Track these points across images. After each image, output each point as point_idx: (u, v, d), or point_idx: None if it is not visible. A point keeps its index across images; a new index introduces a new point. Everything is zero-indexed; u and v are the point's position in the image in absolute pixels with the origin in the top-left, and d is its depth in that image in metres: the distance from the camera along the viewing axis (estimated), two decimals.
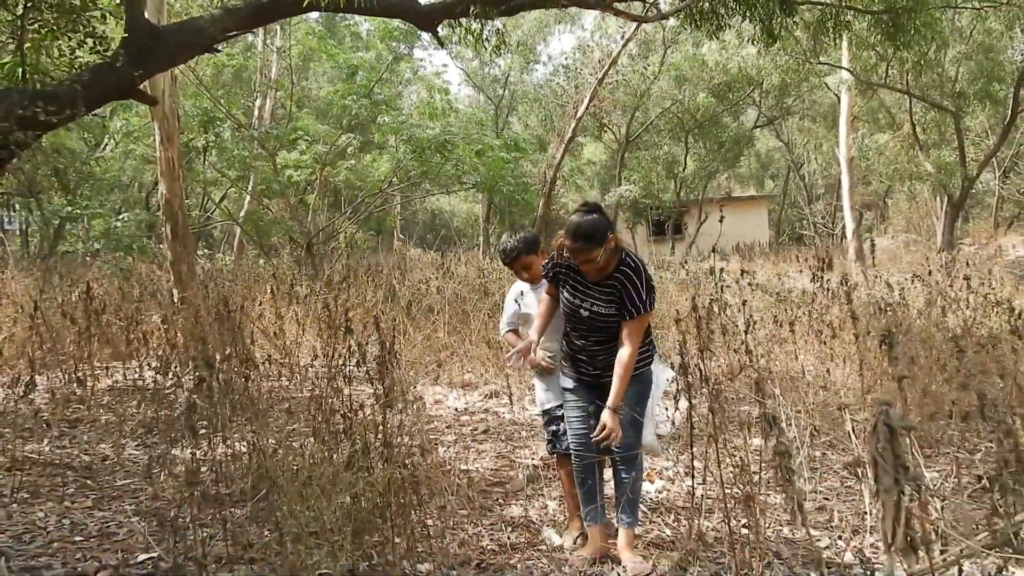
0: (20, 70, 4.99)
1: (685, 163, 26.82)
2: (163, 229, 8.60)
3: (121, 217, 16.13)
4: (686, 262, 15.08)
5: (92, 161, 16.52)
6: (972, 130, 20.61)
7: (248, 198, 17.13)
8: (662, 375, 4.14)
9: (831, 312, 5.91)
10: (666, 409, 4.09)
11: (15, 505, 3.78)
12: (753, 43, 8.90)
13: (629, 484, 3.46)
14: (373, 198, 16.32)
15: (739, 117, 27.75)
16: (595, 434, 3.28)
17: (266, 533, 3.27)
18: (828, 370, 5.21)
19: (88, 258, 15.53)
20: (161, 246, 15.30)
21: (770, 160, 37.77)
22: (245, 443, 3.64)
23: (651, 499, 4.38)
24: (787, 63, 21.05)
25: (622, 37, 19.18)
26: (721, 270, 7.54)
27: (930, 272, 7.17)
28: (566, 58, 23.81)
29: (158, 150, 8.22)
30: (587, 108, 18.85)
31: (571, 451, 3.61)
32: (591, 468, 3.55)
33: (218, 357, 4.45)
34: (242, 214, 17.38)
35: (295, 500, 3.04)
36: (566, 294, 3.49)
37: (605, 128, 25.47)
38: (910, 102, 20.52)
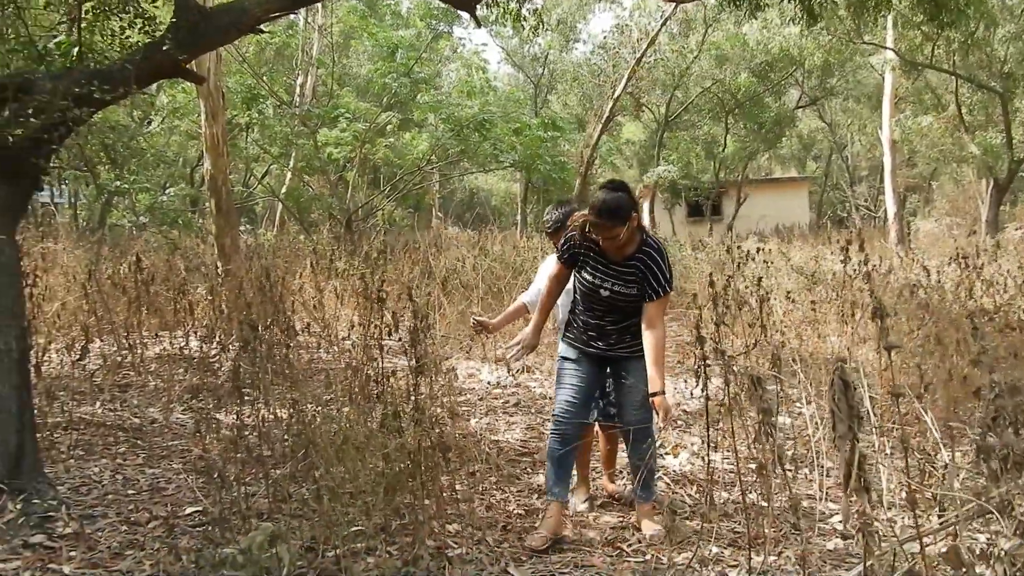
0: (76, 49, 5.21)
1: (725, 143, 26.55)
2: (207, 204, 8.86)
3: (167, 192, 16.54)
4: (723, 243, 15.04)
5: (140, 137, 16.89)
6: (1021, 111, 20.10)
7: (289, 175, 17.42)
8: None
9: (856, 293, 5.94)
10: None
11: (72, 461, 4.02)
12: (794, 23, 8.86)
13: (643, 460, 3.48)
14: (412, 176, 16.50)
15: (781, 97, 27.35)
16: (659, 421, 3.36)
17: (304, 491, 3.45)
18: (849, 349, 5.26)
19: (134, 231, 15.97)
20: (204, 221, 15.70)
21: (812, 141, 37.16)
22: (285, 408, 3.82)
23: (675, 472, 4.51)
24: (830, 43, 20.75)
25: (661, 16, 19.03)
26: (754, 250, 7.56)
27: (965, 256, 7.12)
28: (604, 37, 23.66)
29: (203, 127, 8.46)
30: (625, 87, 18.78)
31: (555, 418, 3.56)
32: (572, 441, 3.53)
33: (260, 326, 4.66)
34: (283, 190, 17.69)
35: (332, 460, 3.22)
36: (585, 274, 3.49)
37: (643, 107, 25.31)
38: (956, 83, 20.11)
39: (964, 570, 2.15)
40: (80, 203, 22.75)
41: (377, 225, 18.81)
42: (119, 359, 6.10)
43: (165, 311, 7.13)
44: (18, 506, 2.95)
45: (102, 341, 6.54)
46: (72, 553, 2.86)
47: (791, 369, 4.72)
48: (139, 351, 6.19)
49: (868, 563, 1.66)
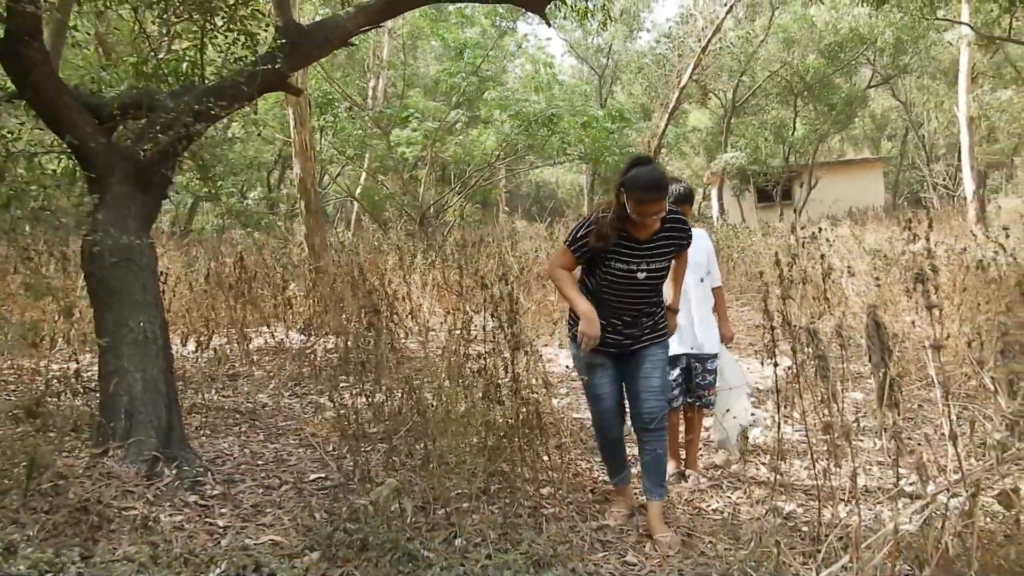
0: (185, 66, 5.77)
1: (794, 127, 26.23)
2: (297, 205, 9.39)
3: (252, 196, 17.33)
4: (794, 228, 15.01)
5: (224, 144, 17.74)
6: None
7: (364, 175, 18.04)
8: (737, 369, 4.51)
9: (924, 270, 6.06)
10: (752, 413, 4.45)
11: (203, 438, 4.52)
12: (863, 4, 8.89)
13: (654, 455, 3.50)
14: (481, 172, 16.91)
15: (852, 77, 26.84)
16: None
17: (412, 460, 3.85)
18: (913, 322, 5.42)
19: (216, 234, 16.83)
20: (286, 222, 16.41)
21: (886, 120, 36.27)
22: (390, 389, 4.23)
23: (752, 443, 4.76)
24: (901, 20, 20.34)
25: (726, 2, 18.98)
26: (817, 230, 7.72)
27: None
28: (669, 27, 23.65)
29: (292, 133, 9.01)
30: (691, 76, 18.82)
31: (599, 426, 3.64)
32: (619, 442, 3.64)
33: (359, 317, 5.09)
34: (359, 190, 18.33)
35: (438, 431, 3.60)
36: (618, 265, 3.37)
37: (710, 94, 25.19)
38: None
39: (1015, 511, 2.39)
40: (167, 208, 23.87)
41: (448, 221, 19.31)
42: (228, 351, 6.64)
43: (264, 307, 7.67)
44: (173, 471, 3.42)
45: (214, 335, 7.10)
46: (223, 510, 3.32)
47: (859, 345, 4.91)
48: (245, 344, 6.72)
49: (899, 467, 1.94)
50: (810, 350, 2.53)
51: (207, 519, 3.20)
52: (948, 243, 8.66)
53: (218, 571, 2.54)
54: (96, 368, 4.90)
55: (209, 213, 21.00)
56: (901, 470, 2.51)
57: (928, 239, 4.15)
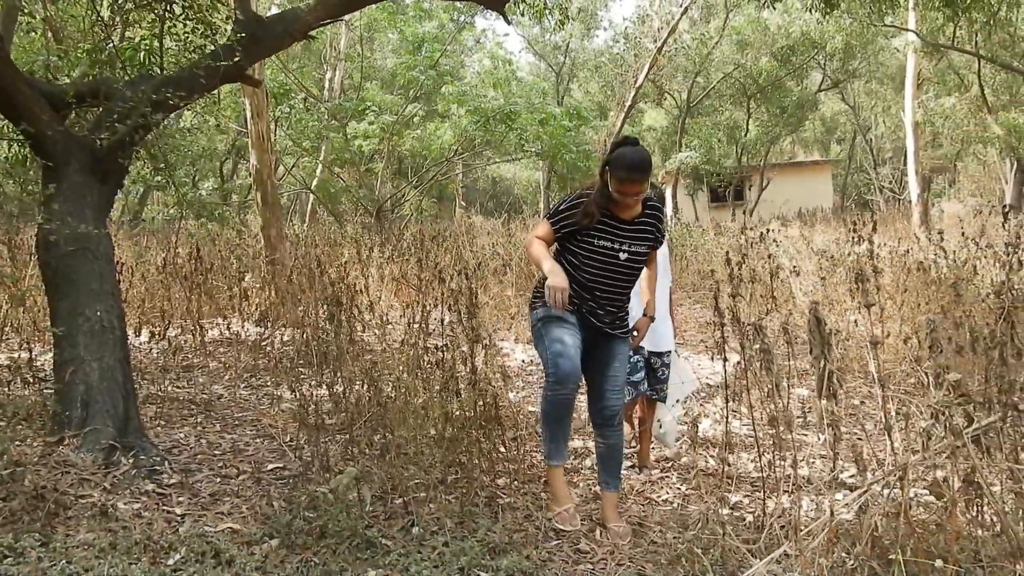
0: (142, 55, 5.72)
1: (747, 128, 26.71)
2: (254, 196, 9.32)
3: (203, 186, 17.08)
4: (744, 228, 15.34)
5: (177, 134, 17.47)
6: None
7: (320, 167, 17.92)
8: (684, 373, 4.65)
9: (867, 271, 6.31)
10: (684, 414, 4.57)
11: (159, 428, 4.51)
12: (811, 11, 9.14)
13: (613, 449, 3.52)
14: (439, 166, 16.92)
15: (803, 81, 27.43)
16: (634, 340, 3.59)
17: (369, 452, 3.90)
18: (856, 321, 5.65)
19: (166, 224, 16.57)
20: (239, 214, 16.22)
21: (836, 124, 37.14)
22: (350, 380, 4.27)
23: (699, 436, 4.91)
24: (851, 26, 20.84)
25: (681, 3, 19.25)
26: (766, 231, 7.94)
27: (976, 237, 7.43)
28: (626, 27, 23.88)
29: (248, 124, 8.94)
30: (647, 76, 19.05)
31: (554, 376, 3.36)
32: (570, 409, 3.49)
33: (319, 308, 5.12)
34: (314, 183, 18.20)
35: (397, 422, 3.66)
36: (602, 241, 3.41)
37: (665, 94, 25.52)
38: (979, 63, 20.16)
39: (945, 499, 2.54)
40: (117, 197, 23.34)
41: (404, 215, 19.29)
42: (183, 342, 6.59)
43: (219, 298, 7.61)
44: (130, 460, 3.43)
45: (162, 326, 7.04)
46: (180, 499, 3.33)
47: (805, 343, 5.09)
48: (201, 335, 6.67)
49: (836, 454, 2.07)
50: (757, 345, 2.65)
51: (165, 507, 3.22)
52: (892, 245, 8.98)
53: (177, 557, 2.57)
54: (47, 359, 4.86)
55: (159, 203, 20.64)
56: (840, 460, 2.65)
57: (871, 241, 4.33)
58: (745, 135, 26.76)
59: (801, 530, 2.75)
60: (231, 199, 20.78)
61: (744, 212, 19.09)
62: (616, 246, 3.42)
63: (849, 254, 7.52)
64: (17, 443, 3.56)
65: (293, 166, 21.65)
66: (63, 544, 2.62)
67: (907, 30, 19.48)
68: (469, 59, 26.97)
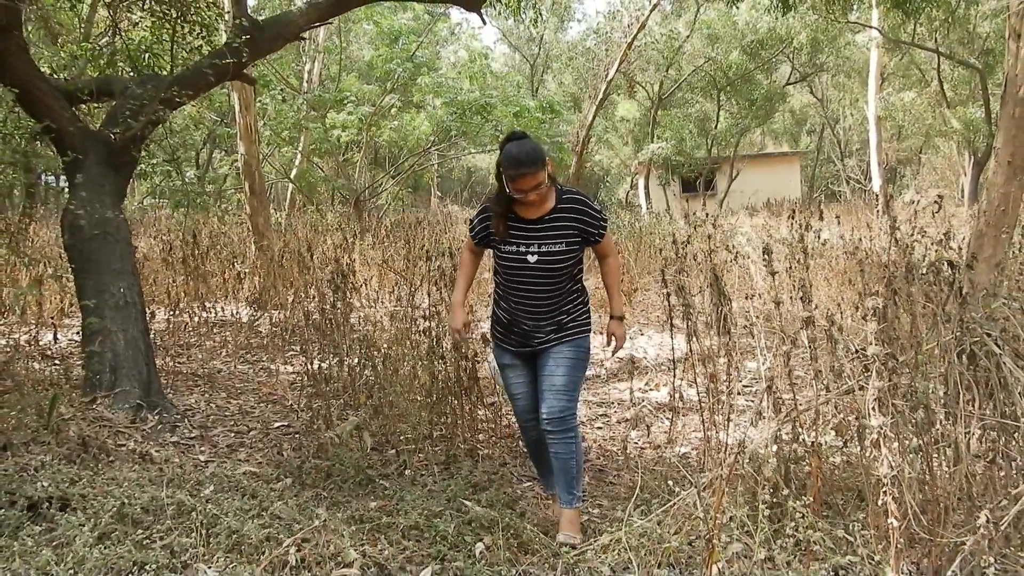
0: (146, 56, 6.17)
1: (717, 120, 27.38)
2: (241, 186, 9.73)
3: (189, 176, 17.40)
4: (714, 217, 15.97)
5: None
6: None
7: (299, 157, 18.29)
8: None
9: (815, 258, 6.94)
10: None
11: (170, 396, 4.98)
12: (769, 12, 9.70)
13: (558, 458, 3.23)
14: (416, 156, 17.36)
15: (772, 74, 28.13)
16: (610, 350, 3.37)
17: (363, 413, 4.41)
18: (791, 297, 6.25)
19: (149, 212, 16.92)
20: (219, 203, 16.57)
21: (805, 116, 38.01)
22: (349, 349, 4.77)
23: (658, 402, 5.48)
24: (816, 22, 21.54)
25: (650, 1, 19.80)
26: (712, 218, 8.56)
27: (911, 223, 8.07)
28: (597, 24, 24.43)
29: (237, 117, 9.37)
30: (617, 70, 19.59)
31: (520, 427, 3.51)
32: (542, 443, 3.35)
33: (319, 286, 5.60)
34: (294, 173, 18.58)
35: (388, 383, 4.18)
36: (507, 247, 3.23)
37: (637, 86, 26.09)
38: (938, 59, 20.93)
39: (848, 435, 3.10)
40: None
41: (381, 204, 19.71)
42: (179, 322, 7.05)
43: (212, 282, 8.06)
44: (156, 417, 3.91)
45: (160, 307, 7.48)
46: (202, 448, 3.83)
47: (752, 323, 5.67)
48: (201, 314, 7.13)
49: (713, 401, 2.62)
50: (709, 290, 3.14)
51: (190, 455, 3.71)
52: (845, 233, 9.60)
53: (209, 489, 3.07)
54: (53, 340, 5.33)
55: (137, 192, 20.88)
56: (762, 404, 3.20)
57: (808, 228, 4.89)
58: (715, 127, 27.44)
59: (722, 460, 3.29)
60: (211, 188, 21.05)
61: (719, 202, 19.70)
62: (523, 249, 3.20)
63: (800, 239, 8.12)
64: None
65: (268, 155, 21.99)
66: (113, 475, 3.10)
67: (870, 27, 20.20)
68: (444, 50, 27.40)
